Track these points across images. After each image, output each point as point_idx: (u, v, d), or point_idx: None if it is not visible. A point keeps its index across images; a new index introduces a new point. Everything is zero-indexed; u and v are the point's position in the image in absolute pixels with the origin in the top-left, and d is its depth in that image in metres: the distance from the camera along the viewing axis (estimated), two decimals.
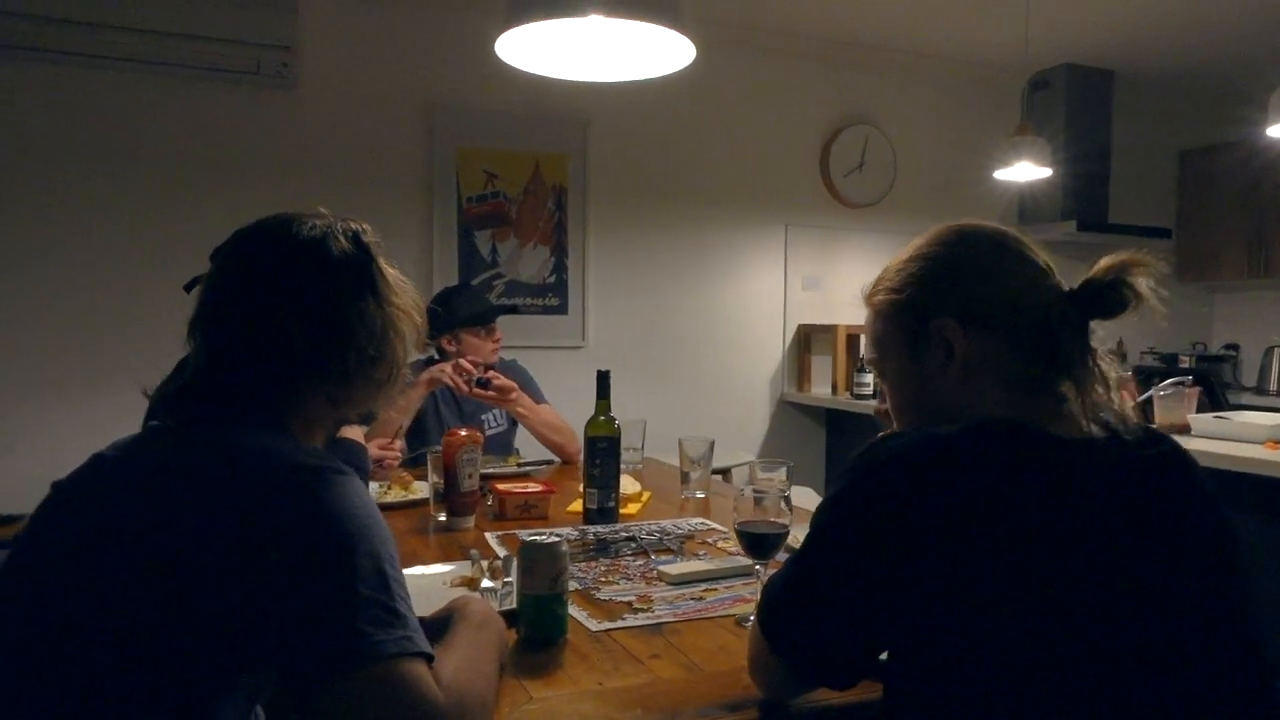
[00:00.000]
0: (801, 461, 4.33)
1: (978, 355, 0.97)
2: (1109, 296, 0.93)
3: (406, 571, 1.49)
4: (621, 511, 2.06)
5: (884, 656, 0.93)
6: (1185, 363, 5.10)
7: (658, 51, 1.90)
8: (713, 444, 2.34)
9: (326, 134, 3.60)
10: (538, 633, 1.20)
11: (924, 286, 1.01)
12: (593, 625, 1.29)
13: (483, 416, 2.96)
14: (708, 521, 1.99)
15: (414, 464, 2.73)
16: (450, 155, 3.79)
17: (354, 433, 1.98)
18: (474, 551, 1.57)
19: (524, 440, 3.04)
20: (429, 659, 0.87)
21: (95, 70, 3.23)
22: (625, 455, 2.73)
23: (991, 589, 0.82)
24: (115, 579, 0.89)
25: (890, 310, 1.04)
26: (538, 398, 2.89)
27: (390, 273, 1.12)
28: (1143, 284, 0.92)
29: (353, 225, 1.11)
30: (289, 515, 0.88)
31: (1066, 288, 0.98)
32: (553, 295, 4.02)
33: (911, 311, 1.01)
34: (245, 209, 3.60)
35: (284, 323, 1.02)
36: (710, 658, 1.17)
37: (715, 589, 1.46)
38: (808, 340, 4.58)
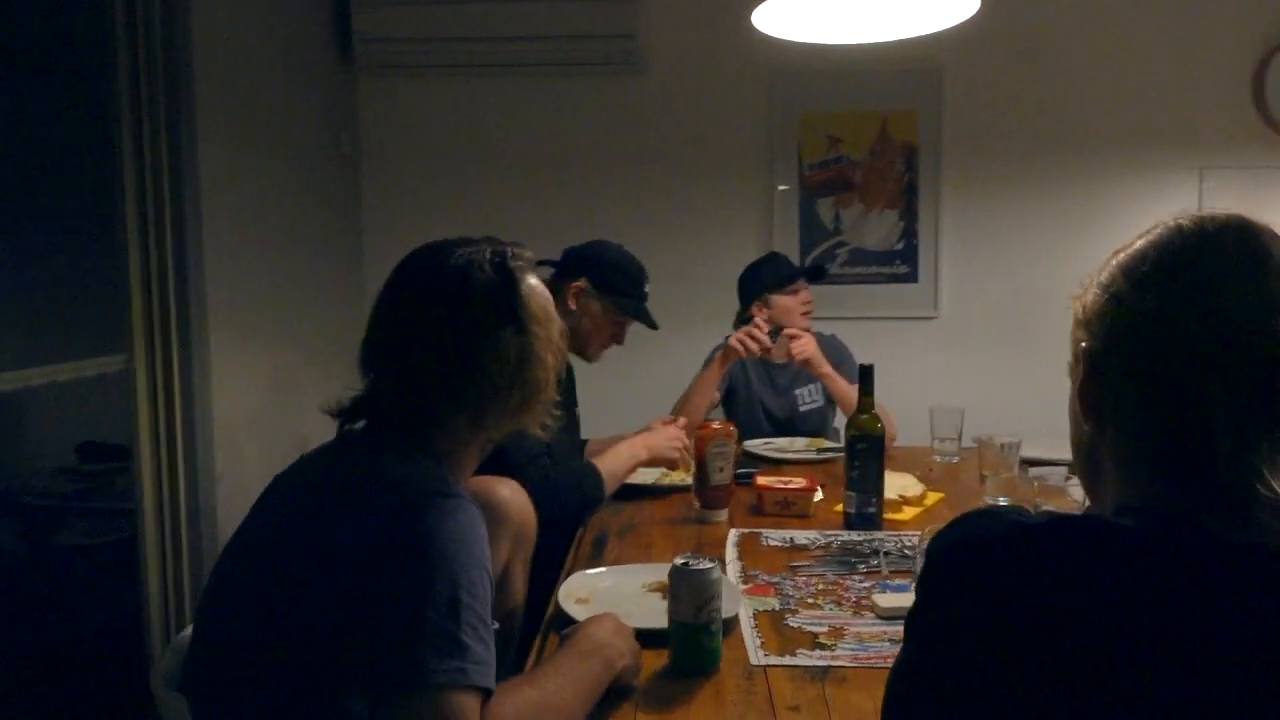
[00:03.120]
0: None
1: (1109, 404, 0.72)
2: None
3: (614, 569, 1.55)
4: (895, 516, 1.90)
5: None
6: None
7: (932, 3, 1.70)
8: (1019, 443, 2.06)
9: (671, 113, 3.71)
10: (682, 661, 1.16)
11: (1098, 299, 0.74)
12: (756, 658, 1.21)
13: (796, 391, 2.88)
14: None
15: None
16: (792, 121, 3.70)
17: (609, 460, 2.02)
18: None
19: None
20: (486, 693, 0.89)
21: (459, 79, 3.64)
22: (939, 445, 2.52)
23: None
24: (276, 574, 1.03)
25: (1076, 314, 0.79)
26: (849, 379, 2.74)
27: (536, 300, 1.14)
28: None
29: (501, 250, 1.15)
30: (385, 537, 0.95)
31: None
32: (901, 262, 3.77)
33: (1079, 325, 0.77)
34: (597, 195, 3.84)
35: (423, 352, 1.08)
36: None
37: None
38: None
